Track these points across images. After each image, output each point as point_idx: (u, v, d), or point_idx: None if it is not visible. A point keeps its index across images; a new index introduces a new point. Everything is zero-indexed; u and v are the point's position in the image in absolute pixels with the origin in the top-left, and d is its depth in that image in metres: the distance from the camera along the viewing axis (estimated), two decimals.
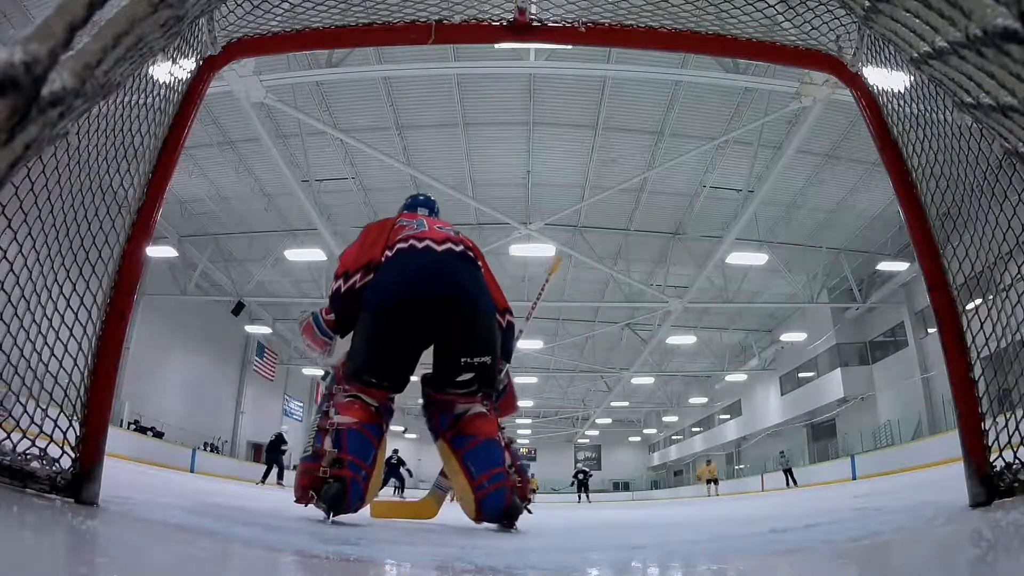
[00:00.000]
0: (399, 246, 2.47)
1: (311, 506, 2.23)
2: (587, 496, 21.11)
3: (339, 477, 2.16)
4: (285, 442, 14.83)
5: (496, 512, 2.32)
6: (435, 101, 11.38)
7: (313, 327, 2.60)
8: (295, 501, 2.30)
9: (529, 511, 2.55)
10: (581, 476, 22.22)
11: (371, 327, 2.38)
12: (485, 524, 2.43)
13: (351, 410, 2.34)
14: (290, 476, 15.43)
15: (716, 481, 20.12)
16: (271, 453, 14.69)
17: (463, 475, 2.38)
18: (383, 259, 2.47)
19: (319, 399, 2.56)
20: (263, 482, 13.60)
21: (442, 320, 2.33)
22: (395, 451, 17.06)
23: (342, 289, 2.47)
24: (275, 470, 14.36)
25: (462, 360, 2.35)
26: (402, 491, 15.50)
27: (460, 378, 2.38)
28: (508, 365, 2.75)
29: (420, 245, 2.46)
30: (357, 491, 2.18)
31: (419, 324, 2.32)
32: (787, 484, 17.71)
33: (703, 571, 1.10)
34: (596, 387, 28.93)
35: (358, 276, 2.46)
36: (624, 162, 12.78)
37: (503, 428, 2.60)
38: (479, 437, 2.43)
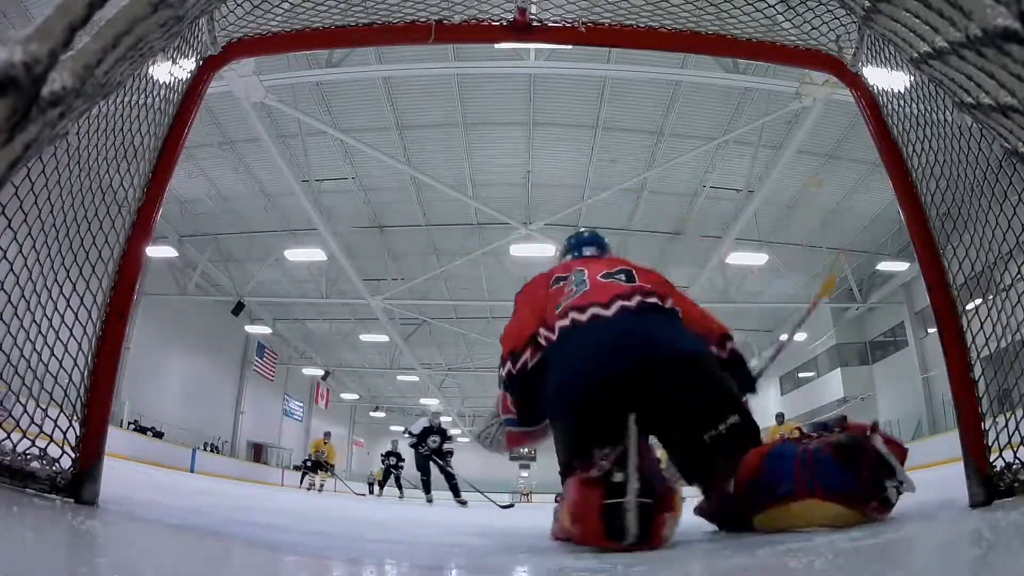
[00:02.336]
0: (560, 324, 1.95)
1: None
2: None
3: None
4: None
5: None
6: (435, 101, 11.38)
7: (515, 435, 2.26)
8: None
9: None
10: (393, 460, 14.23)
11: (561, 420, 1.88)
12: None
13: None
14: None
15: None
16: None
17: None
18: (547, 341, 2.00)
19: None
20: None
21: (649, 396, 1.71)
22: (394, 444, 14.76)
23: (514, 372, 2.04)
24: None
25: (705, 437, 1.70)
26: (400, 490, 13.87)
27: (716, 463, 1.70)
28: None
29: (584, 318, 1.92)
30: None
31: (620, 397, 1.71)
32: None
33: (702, 571, 1.10)
34: None
35: (527, 354, 2.03)
36: (624, 162, 12.78)
37: None
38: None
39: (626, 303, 1.91)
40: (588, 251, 2.44)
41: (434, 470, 10.37)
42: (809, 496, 1.52)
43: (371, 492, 15.52)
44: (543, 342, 2.00)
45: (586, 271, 2.11)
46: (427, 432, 10.51)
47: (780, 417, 12.76)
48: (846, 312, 18.85)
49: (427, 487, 10.49)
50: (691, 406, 1.74)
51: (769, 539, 1.49)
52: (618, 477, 1.38)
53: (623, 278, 2.05)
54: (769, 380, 24.82)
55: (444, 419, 10.92)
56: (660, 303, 1.96)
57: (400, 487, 13.86)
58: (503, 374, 2.10)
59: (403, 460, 14.05)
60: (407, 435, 10.80)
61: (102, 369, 1.56)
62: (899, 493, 1.49)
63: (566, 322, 1.94)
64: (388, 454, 14.18)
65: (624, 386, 1.73)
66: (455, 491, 10.01)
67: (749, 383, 2.12)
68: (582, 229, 2.61)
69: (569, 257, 2.46)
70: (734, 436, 1.70)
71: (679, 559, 1.26)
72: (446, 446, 10.67)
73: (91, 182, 1.49)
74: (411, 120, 11.94)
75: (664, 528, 1.39)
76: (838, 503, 1.49)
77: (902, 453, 1.53)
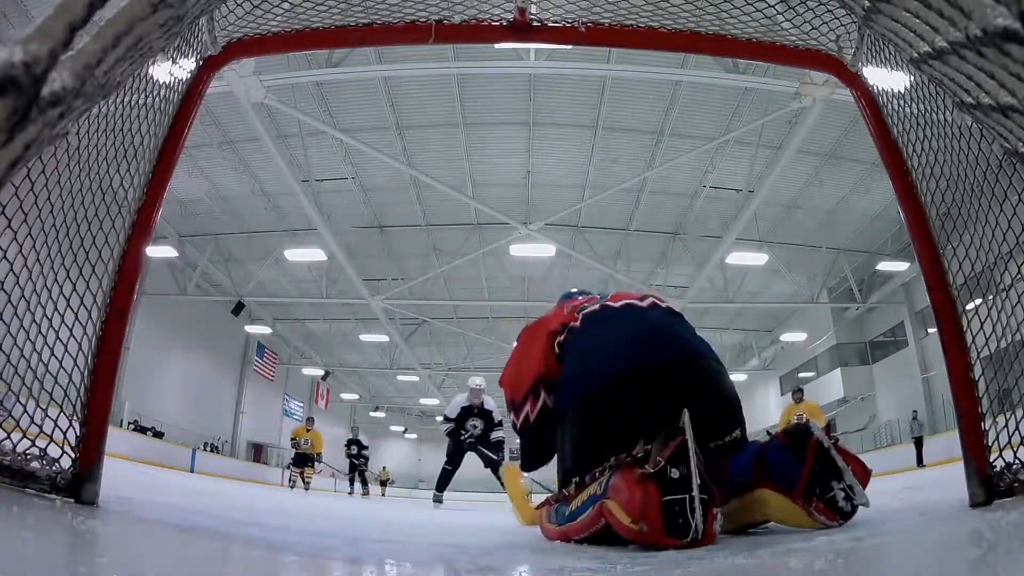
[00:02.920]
0: (586, 312, 1.98)
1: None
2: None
3: None
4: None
5: None
6: (435, 101, 11.39)
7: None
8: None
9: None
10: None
11: (591, 409, 1.81)
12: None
13: None
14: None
15: None
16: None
17: None
18: (568, 333, 1.98)
19: None
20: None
21: (679, 392, 1.73)
22: (356, 430, 14.35)
23: (517, 424, 2.02)
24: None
25: (711, 444, 1.71)
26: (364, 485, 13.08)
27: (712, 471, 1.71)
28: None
29: (617, 305, 1.96)
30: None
31: (657, 386, 1.73)
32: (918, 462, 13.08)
33: (702, 571, 1.10)
34: None
35: (528, 407, 2.01)
36: (624, 162, 12.78)
37: None
38: None
39: (657, 301, 1.95)
40: (581, 297, 2.37)
41: (467, 465, 7.94)
42: (761, 485, 1.58)
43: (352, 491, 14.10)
44: (561, 339, 1.98)
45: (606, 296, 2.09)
46: (466, 414, 7.83)
47: (798, 394, 10.00)
48: (846, 312, 18.86)
49: (443, 483, 7.91)
50: (710, 411, 1.72)
51: (769, 539, 1.49)
52: (675, 473, 1.37)
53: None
54: (769, 380, 24.84)
55: (488, 399, 7.88)
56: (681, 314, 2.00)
57: (364, 482, 12.72)
58: (513, 422, 2.06)
59: (366, 448, 13.01)
60: (443, 421, 8.23)
61: (102, 369, 1.56)
62: (851, 503, 1.50)
63: (594, 307, 1.94)
64: (350, 443, 13.10)
65: (662, 375, 1.72)
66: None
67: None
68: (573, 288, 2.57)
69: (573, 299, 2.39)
70: (731, 449, 1.73)
71: (679, 559, 1.26)
72: (494, 434, 7.85)
73: (91, 182, 1.49)
74: (411, 120, 11.95)
75: (715, 523, 1.40)
76: (783, 493, 1.53)
77: (861, 470, 1.56)
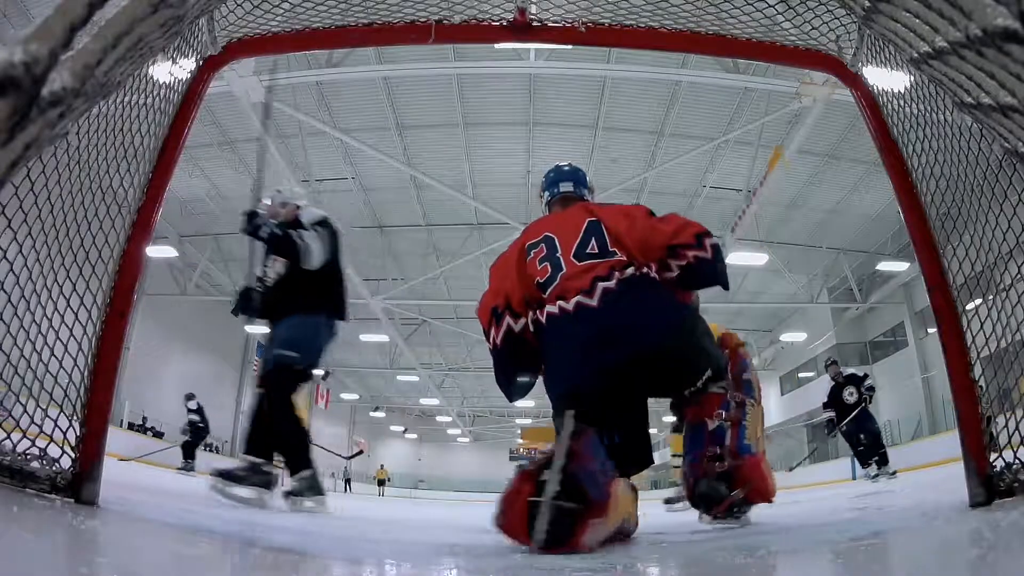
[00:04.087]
0: (548, 311, 1.99)
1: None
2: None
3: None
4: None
5: (695, 500, 2.24)
6: (435, 101, 11.38)
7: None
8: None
9: (747, 499, 2.27)
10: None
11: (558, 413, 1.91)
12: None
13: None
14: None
15: None
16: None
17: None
18: (536, 325, 2.05)
19: None
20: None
21: (635, 382, 1.91)
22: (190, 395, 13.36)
23: (497, 343, 2.08)
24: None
25: (686, 392, 2.05)
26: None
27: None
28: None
29: (570, 307, 1.94)
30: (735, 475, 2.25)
31: (608, 402, 1.88)
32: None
33: (702, 571, 1.10)
34: None
35: (507, 321, 2.07)
36: (624, 162, 12.78)
37: (741, 403, 2.34)
38: (689, 422, 2.30)
39: (607, 284, 1.94)
40: (564, 186, 2.47)
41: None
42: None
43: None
44: (531, 326, 2.05)
45: (557, 242, 2.08)
46: (838, 389, 8.47)
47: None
48: (846, 312, 18.85)
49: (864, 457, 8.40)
50: (674, 378, 2.01)
51: (769, 539, 1.49)
52: (544, 475, 1.36)
53: (596, 250, 2.03)
54: (769, 380, 24.82)
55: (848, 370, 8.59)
56: (637, 272, 1.98)
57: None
58: (489, 348, 2.15)
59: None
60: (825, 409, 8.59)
61: (102, 369, 1.56)
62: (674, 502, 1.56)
63: (554, 309, 1.98)
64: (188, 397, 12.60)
65: (613, 376, 1.86)
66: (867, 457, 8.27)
67: (724, 279, 2.15)
68: (561, 164, 2.61)
69: (546, 195, 2.53)
70: (705, 386, 2.02)
71: (678, 560, 1.26)
72: (867, 384, 8.35)
73: (91, 182, 1.49)
74: (411, 120, 11.94)
75: (586, 534, 1.34)
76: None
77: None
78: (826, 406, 8.76)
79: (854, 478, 15.30)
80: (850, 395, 8.36)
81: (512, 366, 2.14)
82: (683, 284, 2.08)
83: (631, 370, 1.87)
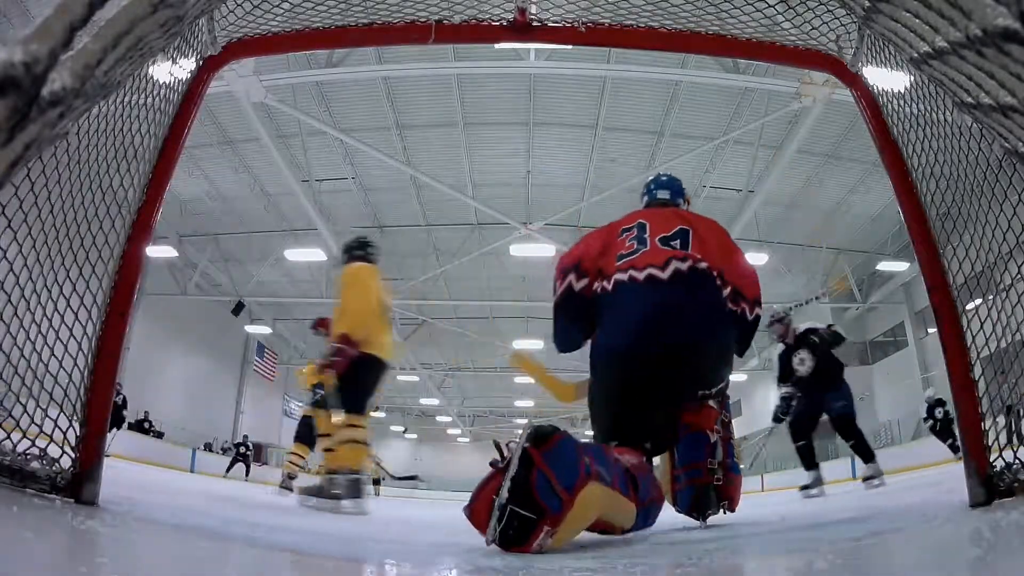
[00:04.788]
0: (617, 277, 2.17)
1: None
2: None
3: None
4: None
5: (684, 507, 2.34)
6: (435, 101, 11.38)
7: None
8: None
9: (726, 511, 2.42)
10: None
11: (602, 380, 2.19)
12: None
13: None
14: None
15: None
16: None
17: (668, 463, 2.40)
18: (601, 290, 2.21)
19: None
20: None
21: (674, 363, 2.07)
22: (245, 436, 18.40)
23: (559, 293, 2.29)
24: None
25: (699, 392, 2.20)
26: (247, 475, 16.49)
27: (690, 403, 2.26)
28: None
29: (641, 277, 2.13)
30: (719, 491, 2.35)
31: (650, 374, 2.05)
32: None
33: (702, 571, 1.10)
34: None
35: (571, 277, 2.27)
36: (624, 162, 12.77)
37: (728, 423, 2.46)
38: (690, 430, 2.33)
39: (680, 265, 2.14)
40: (661, 194, 2.66)
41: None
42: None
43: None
44: (598, 290, 2.22)
45: (648, 226, 2.28)
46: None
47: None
48: (846, 312, 18.85)
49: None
50: (694, 375, 2.14)
51: (769, 539, 1.49)
52: (506, 480, 1.39)
53: (678, 244, 2.22)
54: (769, 380, 24.80)
55: None
56: (708, 270, 2.17)
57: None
58: (557, 297, 2.34)
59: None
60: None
61: (102, 369, 1.56)
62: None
63: (623, 277, 2.17)
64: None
65: (661, 358, 2.04)
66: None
67: (741, 350, 2.37)
68: (661, 173, 2.83)
69: (646, 198, 2.72)
70: (711, 397, 2.21)
71: (678, 560, 1.26)
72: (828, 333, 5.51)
73: (91, 182, 1.49)
74: (411, 120, 11.94)
75: (538, 539, 1.36)
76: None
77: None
78: (781, 383, 5.77)
79: (854, 478, 15.32)
80: (800, 363, 5.43)
81: (566, 319, 2.35)
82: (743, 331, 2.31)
83: (676, 349, 2.05)
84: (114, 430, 12.77)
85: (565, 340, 2.43)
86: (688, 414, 2.30)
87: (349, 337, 3.54)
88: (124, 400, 13.53)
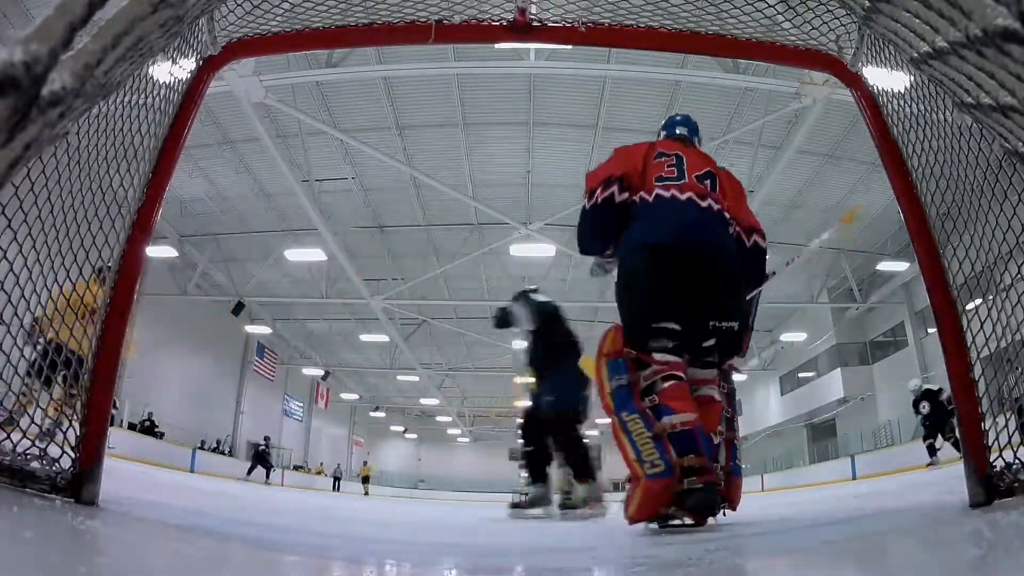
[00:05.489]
0: (658, 191, 2.33)
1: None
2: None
3: (707, 482, 1.98)
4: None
5: (689, 507, 2.10)
6: (435, 101, 11.38)
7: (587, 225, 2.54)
8: (635, 521, 2.06)
9: (726, 512, 2.40)
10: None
11: (641, 265, 2.27)
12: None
13: (683, 401, 2.06)
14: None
15: None
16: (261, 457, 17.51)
17: None
18: (640, 200, 2.36)
19: (608, 397, 2.21)
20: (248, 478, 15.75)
21: (700, 280, 2.20)
22: (266, 438, 18.83)
23: (588, 204, 2.42)
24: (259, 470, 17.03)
25: (711, 324, 2.23)
26: (268, 477, 17.17)
27: (706, 343, 2.25)
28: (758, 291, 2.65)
29: (682, 197, 2.31)
30: (719, 493, 2.16)
31: (680, 276, 2.19)
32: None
33: (702, 571, 1.10)
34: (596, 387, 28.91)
35: (614, 188, 2.38)
36: None
37: (732, 419, 2.49)
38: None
39: (716, 205, 2.39)
40: (680, 129, 2.79)
41: None
42: None
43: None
44: (636, 200, 2.37)
45: (685, 161, 2.44)
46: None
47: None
48: (846, 312, 18.85)
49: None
50: (719, 299, 2.25)
51: (769, 539, 1.49)
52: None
53: (708, 184, 2.43)
54: (769, 380, 24.81)
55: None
56: (728, 214, 2.46)
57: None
58: (583, 208, 2.47)
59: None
60: None
61: (102, 369, 1.56)
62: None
63: (665, 193, 2.34)
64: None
65: (692, 263, 2.21)
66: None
67: (762, 275, 2.61)
68: (678, 114, 3.02)
69: (664, 134, 2.81)
70: (729, 336, 2.28)
71: (677, 559, 1.26)
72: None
73: (91, 182, 1.49)
74: (411, 120, 11.94)
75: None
76: None
77: None
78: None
79: (854, 478, 15.32)
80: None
81: (598, 223, 2.47)
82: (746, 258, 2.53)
83: (710, 247, 2.26)
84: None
85: (593, 244, 2.56)
86: (701, 410, 2.15)
87: None
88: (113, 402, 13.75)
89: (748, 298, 2.60)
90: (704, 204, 2.33)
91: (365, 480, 23.75)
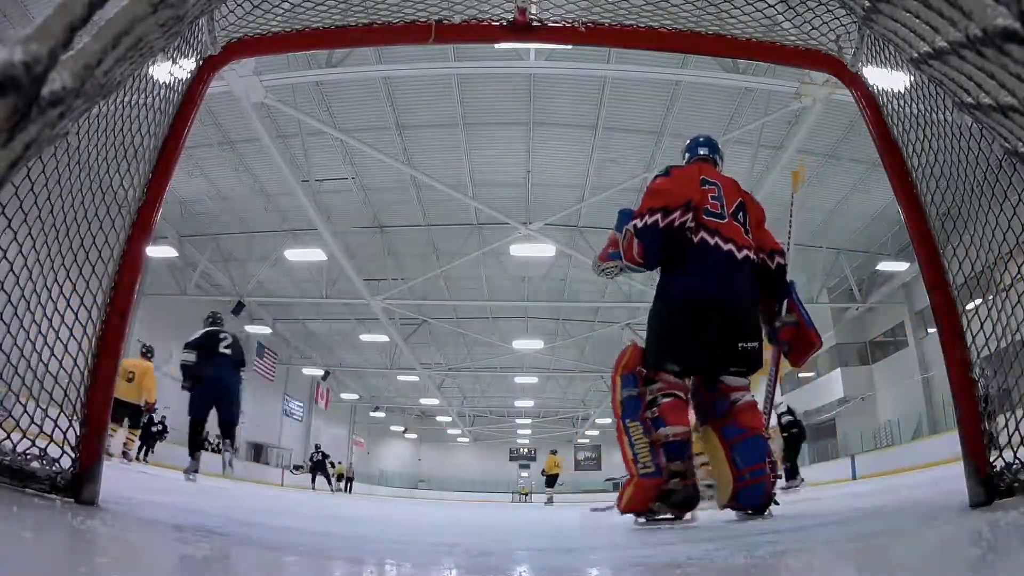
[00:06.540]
0: (704, 237, 2.58)
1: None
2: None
3: (688, 484, 2.47)
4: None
5: (754, 503, 2.48)
6: (435, 101, 11.37)
7: (619, 242, 2.81)
8: (626, 512, 2.56)
9: (777, 503, 2.65)
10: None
11: (680, 314, 2.59)
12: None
13: (678, 416, 2.52)
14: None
15: None
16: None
17: (727, 464, 2.55)
18: (690, 233, 2.58)
19: (619, 405, 2.67)
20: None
21: (728, 318, 2.55)
22: (316, 446, 19.42)
23: (660, 224, 2.55)
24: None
25: (739, 345, 2.55)
26: (331, 483, 18.09)
27: (735, 368, 2.59)
28: (790, 305, 2.89)
29: (724, 248, 2.59)
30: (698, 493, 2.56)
31: (712, 320, 2.53)
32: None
33: (702, 571, 1.10)
34: (596, 387, 28.93)
35: (677, 214, 2.55)
36: (624, 162, 12.76)
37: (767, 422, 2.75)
38: (749, 431, 2.57)
39: (749, 253, 2.66)
40: (702, 151, 2.99)
41: None
42: None
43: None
44: (689, 233, 2.58)
45: (722, 191, 2.69)
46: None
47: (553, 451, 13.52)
48: (846, 312, 18.84)
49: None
50: (741, 327, 2.58)
51: (770, 539, 1.49)
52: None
53: (741, 218, 2.70)
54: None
55: None
56: (756, 259, 2.70)
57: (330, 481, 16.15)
58: (646, 223, 2.58)
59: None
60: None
61: (102, 369, 1.56)
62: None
63: (710, 240, 2.58)
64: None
65: (723, 310, 2.54)
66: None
67: (785, 288, 2.86)
68: (701, 134, 3.17)
69: (688, 155, 3.03)
70: (753, 355, 2.59)
71: (678, 559, 1.26)
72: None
73: (91, 182, 1.49)
74: (411, 120, 11.93)
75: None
76: None
77: None
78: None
79: (854, 478, 15.31)
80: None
81: (660, 241, 2.59)
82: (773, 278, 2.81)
83: (734, 303, 2.58)
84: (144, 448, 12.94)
85: (654, 256, 2.70)
86: (746, 415, 2.60)
87: None
88: (163, 423, 13.83)
89: (783, 304, 2.90)
90: (740, 256, 2.61)
91: (340, 478, 23.51)
